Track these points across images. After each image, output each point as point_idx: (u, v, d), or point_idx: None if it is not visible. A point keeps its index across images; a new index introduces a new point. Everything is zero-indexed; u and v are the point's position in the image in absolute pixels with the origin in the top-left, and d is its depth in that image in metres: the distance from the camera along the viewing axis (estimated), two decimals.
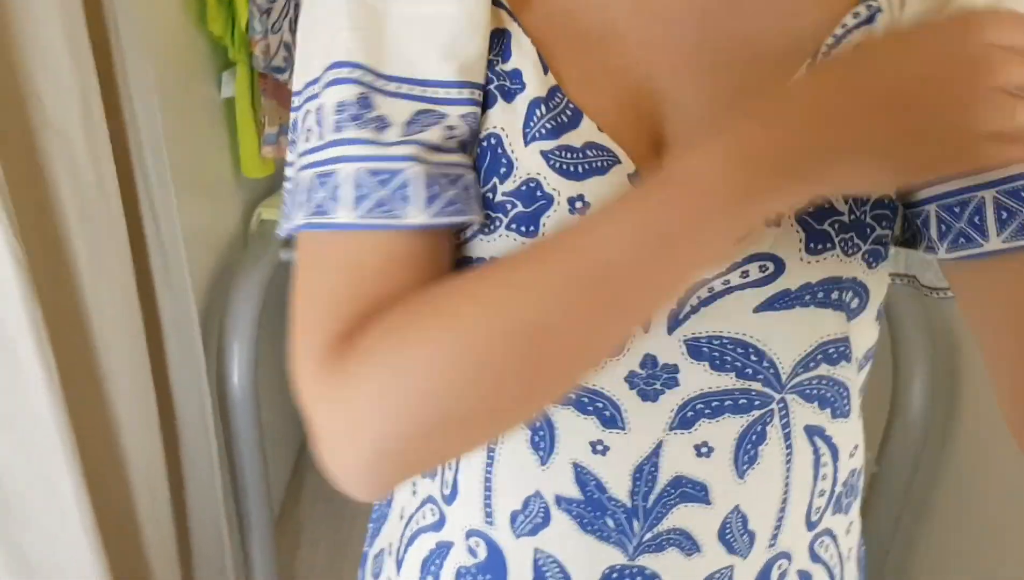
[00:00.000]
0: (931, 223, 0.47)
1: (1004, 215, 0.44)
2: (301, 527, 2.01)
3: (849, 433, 0.55)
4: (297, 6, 1.38)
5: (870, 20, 0.48)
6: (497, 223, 0.48)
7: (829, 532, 0.56)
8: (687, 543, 0.52)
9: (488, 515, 0.54)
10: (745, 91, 0.48)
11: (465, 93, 0.46)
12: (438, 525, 0.57)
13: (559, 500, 0.52)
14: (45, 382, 0.78)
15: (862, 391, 0.55)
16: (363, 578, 0.67)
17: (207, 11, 1.31)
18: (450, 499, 0.55)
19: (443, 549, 0.57)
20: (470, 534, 0.55)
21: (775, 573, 0.54)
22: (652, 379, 0.49)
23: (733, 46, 0.48)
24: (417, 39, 0.46)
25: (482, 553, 0.55)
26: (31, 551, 0.82)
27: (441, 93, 0.46)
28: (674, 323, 0.48)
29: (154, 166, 1.08)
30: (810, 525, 0.55)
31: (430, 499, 0.57)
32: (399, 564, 0.60)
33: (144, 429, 1.08)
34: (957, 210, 0.45)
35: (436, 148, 0.46)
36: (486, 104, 0.48)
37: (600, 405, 0.50)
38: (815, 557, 0.56)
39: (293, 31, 1.39)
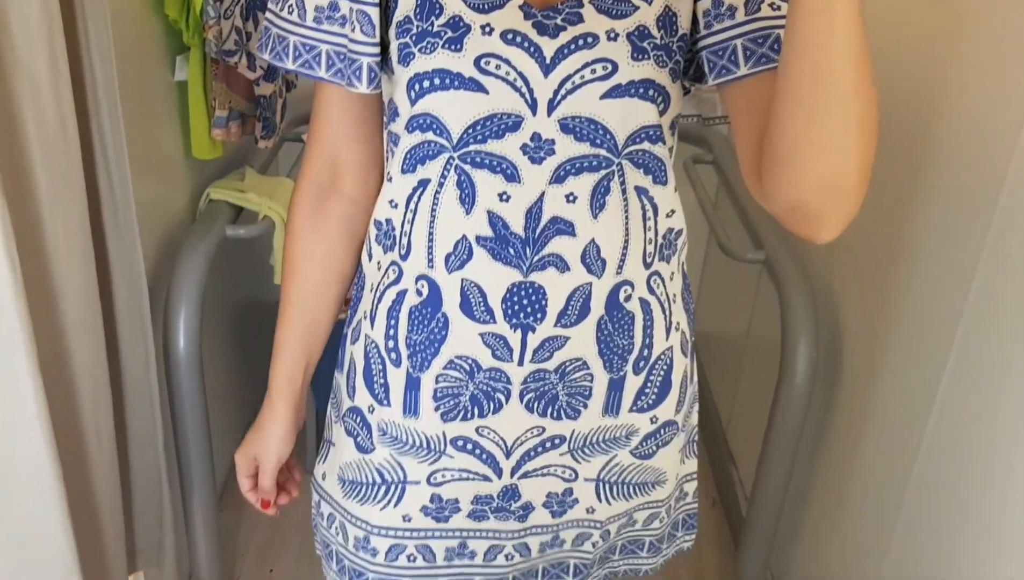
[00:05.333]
0: (704, 64, 0.75)
1: (748, 53, 0.72)
2: (242, 511, 2.07)
3: (666, 198, 0.80)
4: None
5: None
6: (435, 45, 0.72)
7: (658, 274, 0.81)
8: (561, 264, 0.75)
9: (430, 261, 0.77)
10: None
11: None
12: (397, 279, 0.80)
13: (478, 239, 0.75)
14: (12, 288, 0.87)
15: (673, 170, 0.81)
16: (342, 357, 0.88)
17: None
18: (405, 256, 0.79)
19: (400, 297, 0.80)
20: (418, 279, 0.78)
21: (622, 295, 0.78)
22: (538, 149, 0.73)
23: None
24: None
25: (425, 291, 0.78)
26: None
27: None
28: (551, 108, 0.73)
29: (111, 134, 1.18)
30: (646, 265, 0.79)
31: (392, 263, 0.80)
32: (372, 320, 0.82)
33: (93, 371, 1.16)
34: (720, 53, 0.74)
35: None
36: None
37: (504, 165, 0.74)
38: (651, 290, 0.80)
39: (244, 17, 1.50)
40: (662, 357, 0.83)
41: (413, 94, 0.74)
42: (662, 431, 0.85)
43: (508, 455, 0.81)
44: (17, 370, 0.92)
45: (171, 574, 1.57)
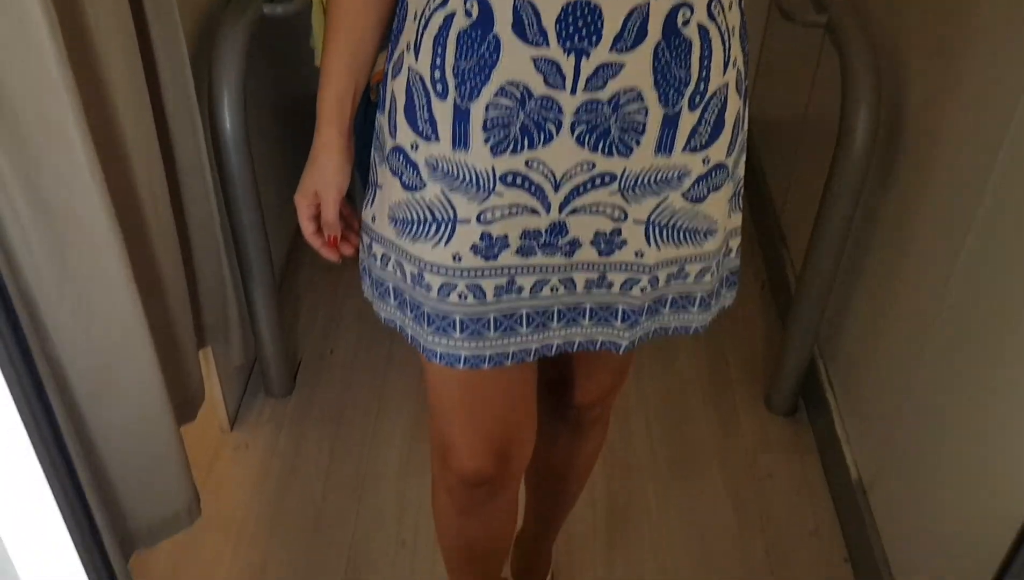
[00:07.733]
0: None
1: None
2: (300, 295, 2.15)
3: None
4: None
5: None
6: None
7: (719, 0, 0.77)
8: None
9: None
10: None
11: None
12: (444, 1, 0.76)
13: None
14: (56, 60, 0.87)
15: None
16: (383, 96, 0.86)
17: None
18: None
19: (448, 21, 0.76)
20: None
21: (680, 17, 0.75)
22: None
23: None
24: None
25: (475, 12, 0.75)
26: (47, 192, 0.93)
27: None
28: None
29: None
30: None
31: None
32: (417, 51, 0.80)
33: (144, 142, 1.17)
34: None
35: None
36: None
37: None
38: (711, 16, 0.77)
39: None
40: (717, 93, 0.80)
41: None
42: (714, 174, 0.84)
43: (557, 189, 0.80)
44: (65, 127, 0.92)
45: (237, 352, 1.65)
